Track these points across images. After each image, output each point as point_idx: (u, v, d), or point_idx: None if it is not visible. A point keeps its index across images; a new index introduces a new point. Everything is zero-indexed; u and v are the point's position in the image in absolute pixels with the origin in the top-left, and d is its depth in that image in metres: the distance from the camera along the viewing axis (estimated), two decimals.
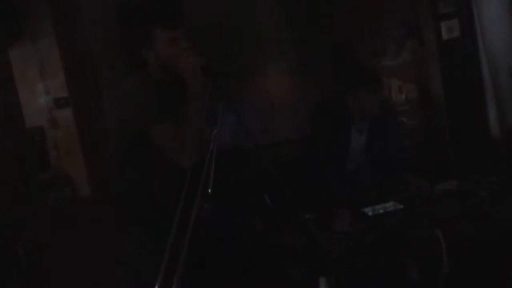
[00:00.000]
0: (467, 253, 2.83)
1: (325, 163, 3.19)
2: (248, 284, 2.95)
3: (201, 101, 2.20)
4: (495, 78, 4.12)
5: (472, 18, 4.17)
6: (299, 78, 4.48)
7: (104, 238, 2.52)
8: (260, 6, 4.38)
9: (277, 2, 4.48)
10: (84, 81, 3.86)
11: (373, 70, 3.45)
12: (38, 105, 4.45)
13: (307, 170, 3.27)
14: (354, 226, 2.84)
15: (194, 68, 2.19)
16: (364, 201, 3.05)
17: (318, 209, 2.92)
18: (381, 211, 2.94)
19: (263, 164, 2.30)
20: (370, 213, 2.93)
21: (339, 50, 4.65)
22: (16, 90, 3.83)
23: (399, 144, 3.35)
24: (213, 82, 2.18)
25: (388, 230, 2.70)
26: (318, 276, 2.56)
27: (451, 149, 4.17)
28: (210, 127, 2.12)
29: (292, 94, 4.44)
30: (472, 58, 4.17)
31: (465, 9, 4.16)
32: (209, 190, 1.99)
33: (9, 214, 3.52)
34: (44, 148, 4.25)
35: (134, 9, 2.44)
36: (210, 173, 2.00)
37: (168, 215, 2.38)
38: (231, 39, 4.16)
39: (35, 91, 4.48)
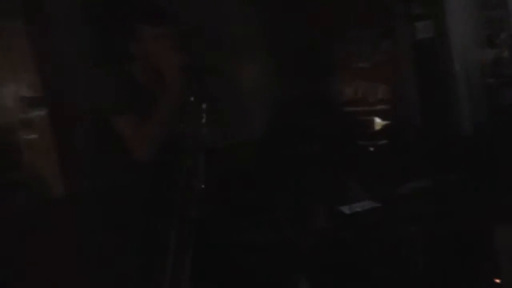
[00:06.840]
0: (440, 250, 2.87)
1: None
2: (222, 283, 2.95)
3: (175, 100, 2.21)
4: (467, 78, 4.19)
5: (445, 19, 4.25)
6: (272, 78, 4.51)
7: (78, 239, 2.49)
8: (232, 5, 4.40)
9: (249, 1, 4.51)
10: (58, 80, 3.80)
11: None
12: (10, 105, 4.37)
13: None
14: (329, 224, 2.86)
15: (175, 67, 2.21)
16: (340, 199, 3.07)
17: (293, 207, 2.93)
18: (358, 209, 2.97)
19: (238, 162, 2.31)
20: (347, 211, 2.96)
21: (312, 51, 4.67)
22: None
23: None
24: (196, 82, 2.21)
25: (365, 228, 2.72)
26: (292, 273, 2.57)
27: (424, 148, 4.23)
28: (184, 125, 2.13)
29: (265, 93, 4.48)
30: (445, 58, 4.24)
31: (438, 10, 4.24)
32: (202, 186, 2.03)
33: None
34: (17, 148, 4.18)
35: (119, 3, 2.46)
36: (198, 171, 2.02)
37: (136, 213, 2.38)
38: (209, 40, 4.16)
39: (7, 90, 4.41)
